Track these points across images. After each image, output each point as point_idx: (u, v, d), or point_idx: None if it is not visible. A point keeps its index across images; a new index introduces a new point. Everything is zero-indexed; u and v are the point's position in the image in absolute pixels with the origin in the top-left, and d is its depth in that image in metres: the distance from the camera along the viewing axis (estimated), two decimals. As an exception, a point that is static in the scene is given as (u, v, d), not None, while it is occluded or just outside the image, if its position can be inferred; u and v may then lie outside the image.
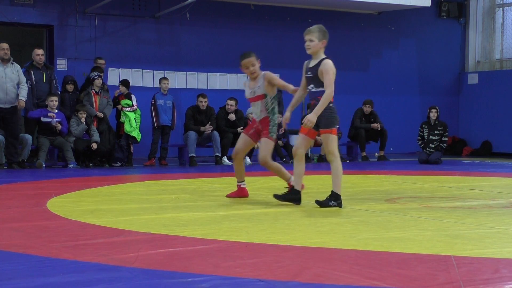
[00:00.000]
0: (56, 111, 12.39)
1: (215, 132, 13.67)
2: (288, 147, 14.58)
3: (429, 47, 18.35)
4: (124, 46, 14.80)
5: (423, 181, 10.05)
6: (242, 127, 13.80)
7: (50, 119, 12.21)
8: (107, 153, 12.85)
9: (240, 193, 7.43)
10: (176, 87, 14.80)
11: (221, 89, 15.52)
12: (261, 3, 16.15)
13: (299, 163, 6.73)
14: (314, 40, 6.60)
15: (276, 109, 7.26)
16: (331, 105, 6.56)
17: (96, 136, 12.57)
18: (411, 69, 18.17)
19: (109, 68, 14.31)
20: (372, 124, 15.27)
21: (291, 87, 7.07)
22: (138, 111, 13.34)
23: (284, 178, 7.32)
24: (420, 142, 14.61)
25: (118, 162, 12.93)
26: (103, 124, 12.92)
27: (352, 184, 9.10)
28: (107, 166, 12.76)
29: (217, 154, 13.58)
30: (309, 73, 6.65)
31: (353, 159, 15.41)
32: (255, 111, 7.32)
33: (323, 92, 6.50)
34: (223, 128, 13.87)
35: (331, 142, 6.59)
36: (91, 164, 12.59)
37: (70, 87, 13.09)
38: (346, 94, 16.81)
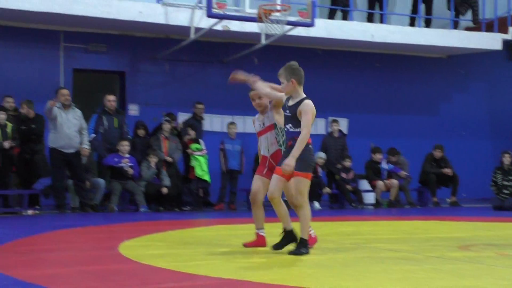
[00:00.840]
0: (128, 155, 12.62)
1: None
2: (357, 192, 14.50)
3: (501, 90, 18.06)
4: (193, 90, 15.04)
5: (498, 228, 9.78)
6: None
7: (123, 164, 12.44)
8: (176, 197, 12.99)
9: (258, 243, 6.80)
10: (244, 131, 14.91)
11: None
12: (328, 48, 16.21)
13: (279, 206, 6.46)
14: (283, 82, 6.32)
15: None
16: (309, 146, 6.29)
17: (166, 181, 12.74)
18: (482, 112, 17.88)
19: (179, 113, 14.54)
20: (443, 169, 15.02)
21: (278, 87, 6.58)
22: (206, 155, 13.47)
23: (284, 223, 6.57)
24: (494, 188, 14.28)
25: (187, 206, 13.04)
26: (172, 169, 13.10)
27: (424, 230, 8.93)
28: (177, 210, 12.89)
29: (284, 198, 13.52)
30: (287, 111, 6.33)
31: (424, 204, 15.16)
32: (264, 146, 6.75)
33: (297, 133, 6.22)
34: (290, 173, 13.85)
35: (304, 186, 6.28)
36: (161, 208, 12.73)
37: (141, 132, 13.34)
38: (416, 139, 16.65)
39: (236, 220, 11.00)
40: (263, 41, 13.86)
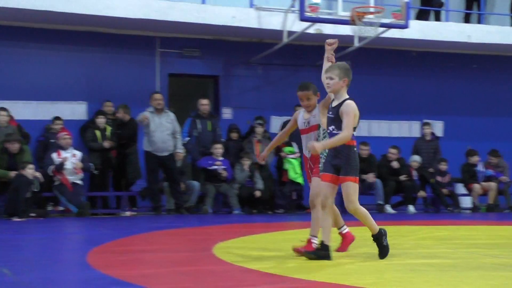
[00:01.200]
0: (221, 158, 12.77)
1: (378, 180, 13.52)
2: (453, 196, 14.19)
3: None
4: (285, 94, 15.05)
5: None
6: (405, 175, 13.60)
7: (216, 167, 12.60)
8: (269, 200, 13.06)
9: (348, 240, 6.77)
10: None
11: (383, 136, 15.37)
12: (423, 50, 15.93)
13: (327, 215, 6.05)
14: (334, 78, 6.03)
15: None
16: (354, 149, 6.02)
17: (259, 183, 12.82)
18: None
19: (271, 117, 14.61)
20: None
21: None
22: (299, 158, 13.47)
23: (337, 225, 6.65)
24: None
25: (280, 209, 13.09)
26: (265, 171, 13.17)
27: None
28: (270, 212, 12.94)
29: (379, 202, 13.41)
30: (330, 113, 6.07)
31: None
32: (304, 146, 6.50)
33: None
34: (385, 176, 13.70)
35: (354, 191, 5.98)
36: (254, 211, 12.82)
37: (234, 135, 13.49)
38: (515, 141, 16.14)
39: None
40: (357, 43, 13.76)
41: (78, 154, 11.88)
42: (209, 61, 14.97)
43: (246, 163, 12.86)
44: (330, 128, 6.05)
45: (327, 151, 6.10)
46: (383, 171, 13.74)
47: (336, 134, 5.92)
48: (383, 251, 6.19)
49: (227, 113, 14.98)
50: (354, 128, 6.02)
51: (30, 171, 10.96)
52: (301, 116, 6.55)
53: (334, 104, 6.06)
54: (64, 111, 13.40)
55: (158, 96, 12.40)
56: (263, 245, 7.49)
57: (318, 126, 6.42)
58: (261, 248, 7.24)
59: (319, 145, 5.83)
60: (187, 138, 12.95)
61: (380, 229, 6.17)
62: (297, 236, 9.02)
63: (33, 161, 11.85)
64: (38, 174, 11.20)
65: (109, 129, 12.49)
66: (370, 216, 6.12)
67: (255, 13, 13.78)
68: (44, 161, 11.92)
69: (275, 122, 14.69)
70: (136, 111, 12.59)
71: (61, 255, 7.06)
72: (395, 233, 7.81)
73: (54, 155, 11.69)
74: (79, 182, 11.73)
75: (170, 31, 14.16)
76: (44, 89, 13.45)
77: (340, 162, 5.99)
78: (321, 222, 6.11)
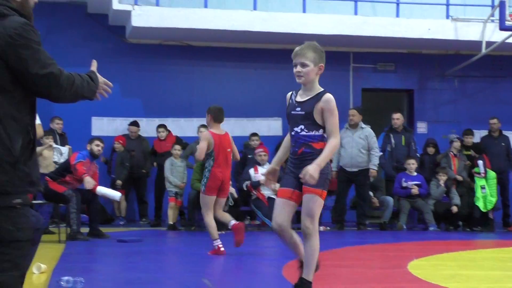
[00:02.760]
0: (415, 174, 12.52)
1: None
2: None
3: None
4: (483, 107, 14.50)
5: None
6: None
7: (409, 183, 12.37)
8: (467, 217, 12.59)
9: None
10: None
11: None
12: None
13: (290, 237, 4.88)
14: (309, 65, 4.77)
15: None
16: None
17: (456, 199, 12.41)
18: None
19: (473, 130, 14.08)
20: None
21: None
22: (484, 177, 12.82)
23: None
24: None
25: (478, 226, 12.58)
26: (462, 187, 12.74)
27: None
28: (468, 230, 12.48)
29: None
30: (297, 109, 4.79)
31: None
32: None
33: (317, 137, 4.71)
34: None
35: (318, 207, 4.72)
36: (451, 227, 12.42)
37: (430, 150, 13.18)
38: None
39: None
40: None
41: (274, 169, 12.14)
42: (403, 74, 14.78)
43: (442, 178, 12.50)
44: (297, 128, 4.77)
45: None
46: None
47: (306, 136, 4.72)
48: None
49: (422, 127, 14.67)
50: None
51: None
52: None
53: (303, 97, 4.80)
54: (261, 128, 13.80)
55: (350, 112, 12.38)
56: (461, 264, 7.25)
57: None
58: (459, 266, 7.01)
59: (313, 170, 4.53)
60: (380, 153, 12.82)
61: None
62: (496, 255, 8.63)
63: (231, 175, 12.29)
64: (232, 190, 11.61)
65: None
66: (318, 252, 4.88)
67: (452, 24, 13.42)
68: (241, 176, 12.34)
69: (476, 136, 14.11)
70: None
71: (258, 267, 7.27)
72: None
73: (251, 171, 12.04)
74: (275, 197, 11.97)
75: (363, 46, 14.16)
76: (241, 106, 13.95)
77: None
78: (289, 246, 4.98)
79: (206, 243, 9.42)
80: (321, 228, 12.17)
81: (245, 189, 11.88)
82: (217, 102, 13.79)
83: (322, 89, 4.80)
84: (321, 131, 4.71)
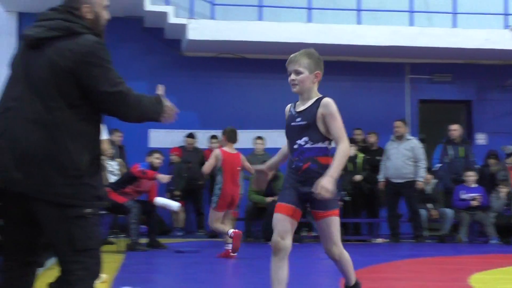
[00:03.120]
0: (475, 186, 12.30)
1: None
2: None
3: None
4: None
5: None
6: None
7: (468, 195, 12.16)
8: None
9: None
10: None
11: None
12: None
13: (282, 263, 4.43)
14: (303, 72, 4.48)
15: None
16: None
17: (518, 212, 12.15)
18: None
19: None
20: None
21: None
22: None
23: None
24: None
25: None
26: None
27: None
28: (530, 243, 12.19)
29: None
30: (298, 119, 4.43)
31: None
32: None
33: (322, 150, 4.35)
34: None
35: (338, 229, 4.44)
36: (512, 241, 12.15)
37: (491, 162, 12.95)
38: None
39: None
40: None
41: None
42: (460, 85, 14.57)
43: (503, 190, 12.25)
44: (300, 141, 4.39)
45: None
46: None
47: (311, 149, 4.35)
48: None
49: (481, 138, 14.43)
50: (330, 140, 4.42)
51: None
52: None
53: (303, 106, 4.47)
54: (317, 139, 13.75)
55: (396, 123, 12.24)
56: (524, 278, 7.08)
57: None
58: (521, 280, 6.84)
59: (327, 183, 4.12)
60: (438, 165, 12.64)
61: (357, 281, 4.79)
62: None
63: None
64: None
65: (360, 156, 12.61)
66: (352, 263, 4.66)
67: (510, 33, 13.19)
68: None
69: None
70: (385, 139, 12.55)
71: (316, 279, 7.24)
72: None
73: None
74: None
75: (419, 57, 14.02)
76: (297, 118, 13.93)
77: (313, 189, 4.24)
78: (272, 274, 4.45)
79: (262, 254, 9.43)
80: (379, 240, 12.06)
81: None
82: (271, 114, 13.90)
83: (321, 95, 4.45)
84: (326, 143, 4.36)
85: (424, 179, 11.98)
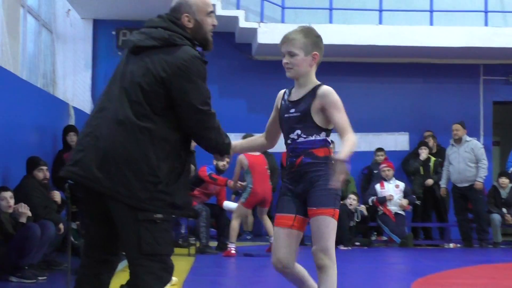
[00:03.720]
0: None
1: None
2: None
3: None
4: None
5: None
6: None
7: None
8: None
9: None
10: None
11: None
12: None
13: (299, 274, 3.93)
14: (298, 54, 3.92)
15: None
16: (333, 161, 3.72)
17: None
18: None
19: None
20: None
21: None
22: None
23: None
24: None
25: None
26: None
27: None
28: None
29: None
30: (292, 110, 3.92)
31: None
32: None
33: (318, 142, 3.84)
34: None
35: (332, 231, 3.79)
36: None
37: None
38: None
39: None
40: None
41: (401, 185, 11.94)
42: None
43: None
44: (293, 135, 3.88)
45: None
46: None
47: (304, 142, 3.84)
48: None
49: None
50: (329, 131, 3.91)
51: (348, 200, 11.25)
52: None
53: (297, 95, 3.96)
54: (387, 142, 13.63)
55: (454, 126, 11.97)
56: None
57: None
58: None
59: (341, 160, 3.57)
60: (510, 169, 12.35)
61: None
62: None
63: (358, 191, 12.19)
64: (363, 208, 11.49)
65: (433, 160, 12.42)
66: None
67: None
68: (367, 191, 12.23)
69: None
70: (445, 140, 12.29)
71: (386, 284, 7.17)
72: None
73: (377, 186, 11.90)
74: (402, 212, 11.79)
75: (494, 58, 13.70)
76: (367, 121, 13.82)
77: (308, 186, 3.84)
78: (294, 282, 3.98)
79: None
80: (451, 245, 11.84)
81: (370, 204, 11.77)
82: (343, 117, 13.84)
83: (319, 83, 3.92)
84: (323, 134, 3.84)
85: (483, 179, 11.72)
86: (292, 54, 3.90)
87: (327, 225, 3.75)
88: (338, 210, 3.80)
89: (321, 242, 3.75)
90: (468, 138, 11.93)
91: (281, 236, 3.85)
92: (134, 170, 3.26)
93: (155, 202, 3.29)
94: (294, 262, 3.88)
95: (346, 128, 3.75)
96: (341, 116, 3.78)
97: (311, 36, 3.93)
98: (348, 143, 3.67)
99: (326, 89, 3.85)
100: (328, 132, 3.87)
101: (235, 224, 9.39)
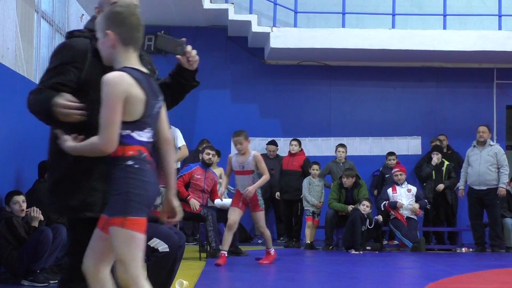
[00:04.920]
0: None
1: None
2: None
3: None
4: None
5: None
6: None
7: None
8: None
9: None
10: None
11: None
12: None
13: None
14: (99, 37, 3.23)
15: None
16: (130, 163, 3.05)
17: None
18: None
19: None
20: None
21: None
22: None
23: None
24: None
25: None
26: None
27: None
28: None
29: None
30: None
31: None
32: (241, 184, 8.69)
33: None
34: None
35: (123, 245, 3.00)
36: None
37: None
38: None
39: None
40: None
41: (413, 189, 11.89)
42: None
43: None
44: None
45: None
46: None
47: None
48: None
49: None
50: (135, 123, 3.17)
51: (362, 207, 11.20)
52: (234, 160, 8.70)
53: None
54: (400, 146, 13.60)
55: (481, 128, 11.87)
56: None
57: (252, 171, 8.62)
58: None
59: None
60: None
61: None
62: None
63: (369, 195, 12.16)
64: (379, 217, 11.45)
65: (446, 164, 12.37)
66: None
67: None
68: (378, 195, 12.18)
69: None
70: (467, 145, 12.22)
71: (398, 289, 7.14)
72: None
73: (389, 191, 11.86)
74: (414, 217, 11.75)
75: (508, 62, 13.64)
76: (379, 125, 13.81)
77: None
78: None
79: (343, 262, 9.38)
80: (463, 249, 11.78)
81: (382, 209, 11.74)
82: (355, 121, 13.85)
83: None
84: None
85: (506, 185, 11.62)
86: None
87: (117, 237, 3.04)
88: (135, 218, 3.01)
89: (116, 257, 3.08)
90: (492, 142, 11.87)
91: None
92: None
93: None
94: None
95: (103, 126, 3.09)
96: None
97: (106, 13, 3.20)
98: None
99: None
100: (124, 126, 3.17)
101: (268, 233, 9.11)
